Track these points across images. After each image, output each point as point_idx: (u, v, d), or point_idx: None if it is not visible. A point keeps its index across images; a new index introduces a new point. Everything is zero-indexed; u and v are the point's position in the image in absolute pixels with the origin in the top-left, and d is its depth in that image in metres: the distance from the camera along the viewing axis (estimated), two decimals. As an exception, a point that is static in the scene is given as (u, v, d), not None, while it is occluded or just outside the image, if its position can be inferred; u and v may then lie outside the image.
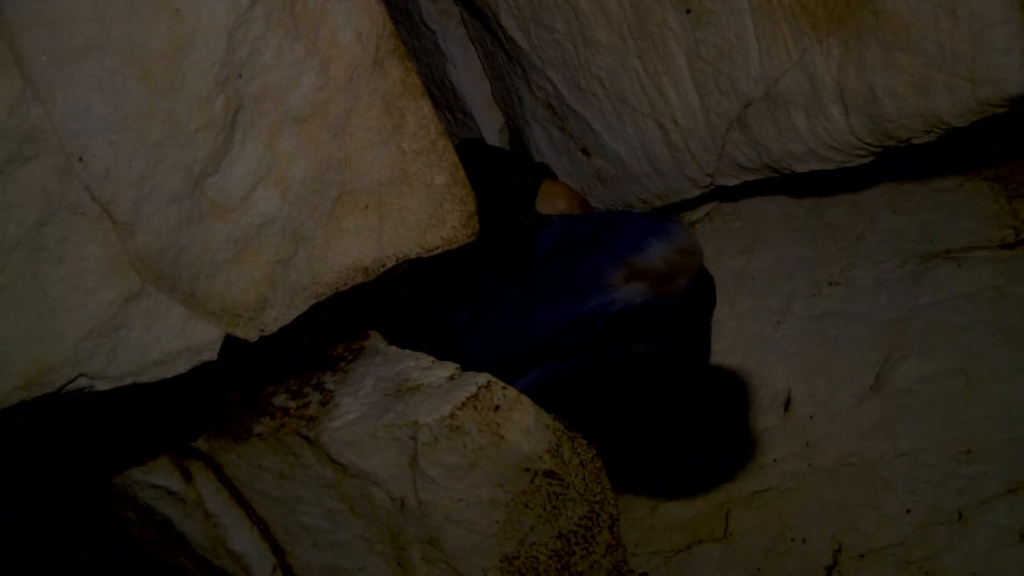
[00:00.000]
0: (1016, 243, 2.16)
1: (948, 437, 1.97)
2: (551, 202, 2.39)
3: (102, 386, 1.43)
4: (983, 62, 1.69)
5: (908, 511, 1.94)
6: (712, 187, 2.34)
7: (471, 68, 2.93)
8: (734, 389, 2.27)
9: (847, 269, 2.32)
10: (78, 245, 1.37)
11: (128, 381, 1.46)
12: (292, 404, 1.82)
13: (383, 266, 1.66)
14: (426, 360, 1.84)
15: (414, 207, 1.68)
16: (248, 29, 1.49)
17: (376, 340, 1.99)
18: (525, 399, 1.74)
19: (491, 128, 3.03)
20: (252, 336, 1.58)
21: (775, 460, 2.12)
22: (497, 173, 2.36)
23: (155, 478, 1.81)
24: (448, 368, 1.80)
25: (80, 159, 1.37)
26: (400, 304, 2.21)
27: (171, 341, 1.48)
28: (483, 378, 1.72)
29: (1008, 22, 1.62)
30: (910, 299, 2.19)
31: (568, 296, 2.06)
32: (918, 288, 2.20)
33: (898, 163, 2.23)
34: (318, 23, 1.56)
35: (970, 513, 1.88)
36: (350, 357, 1.94)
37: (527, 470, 1.70)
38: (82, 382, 1.41)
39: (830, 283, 2.33)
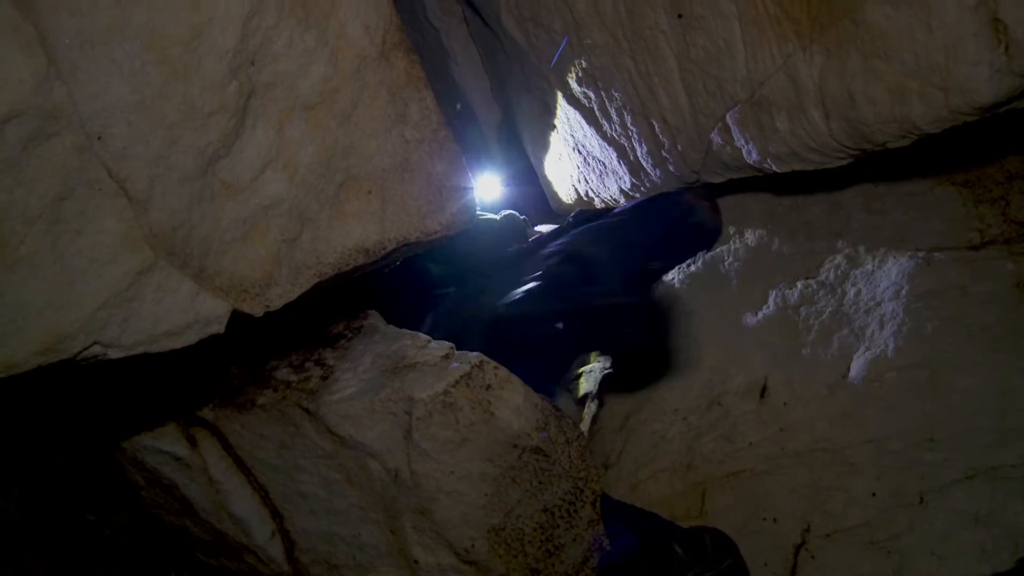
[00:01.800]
0: (981, 245, 2.27)
1: (913, 426, 2.07)
2: None
3: (115, 354, 1.50)
4: (955, 72, 1.75)
5: (873, 494, 2.04)
6: (698, 184, 2.41)
7: (472, 65, 3.01)
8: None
9: (822, 265, 2.42)
10: (95, 219, 1.43)
11: (139, 350, 1.52)
12: (294, 377, 1.90)
13: (384, 249, 1.73)
14: (422, 339, 1.92)
15: (415, 193, 1.75)
16: (262, 19, 1.55)
17: (375, 319, 2.06)
18: (516, 379, 1.83)
19: (490, 123, 3.11)
20: (258, 311, 1.65)
21: (750, 443, 2.21)
22: None
23: (163, 444, 1.88)
24: (443, 347, 1.88)
25: (99, 138, 1.43)
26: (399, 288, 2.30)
27: (181, 314, 1.54)
28: (476, 358, 1.81)
29: (979, 35, 1.69)
30: (881, 295, 2.29)
31: None
32: (889, 284, 2.29)
33: (873, 165, 2.32)
34: (328, 15, 1.62)
35: (931, 497, 1.98)
36: (350, 335, 2.01)
37: (516, 446, 1.79)
38: (96, 350, 1.48)
39: (806, 277, 2.42)
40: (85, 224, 1.43)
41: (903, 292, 2.27)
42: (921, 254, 2.31)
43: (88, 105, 1.42)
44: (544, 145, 2.83)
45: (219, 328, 1.60)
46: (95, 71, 1.42)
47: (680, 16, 2.08)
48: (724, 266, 2.57)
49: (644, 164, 2.44)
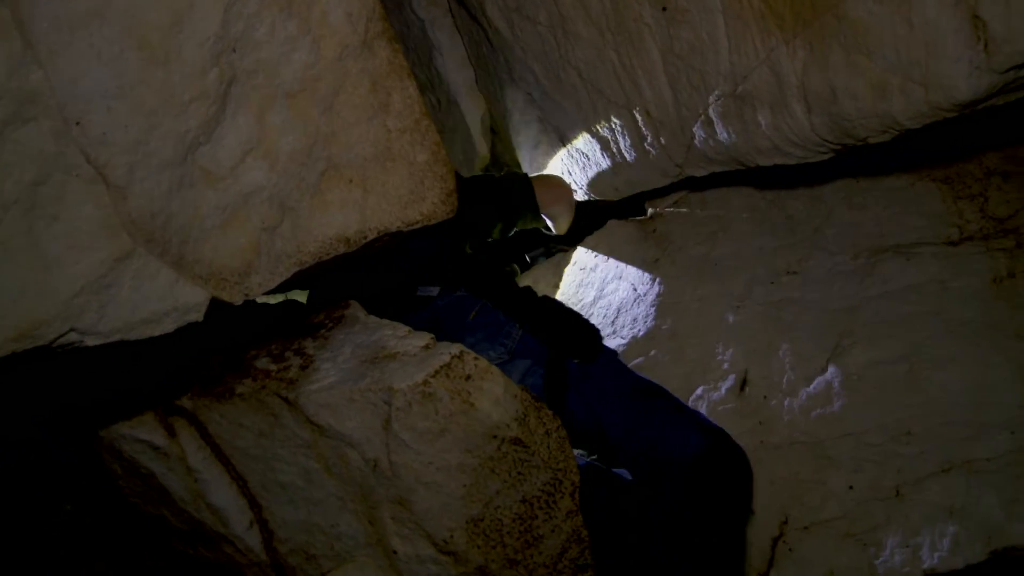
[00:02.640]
0: (960, 240, 2.29)
1: (890, 420, 2.09)
2: (550, 192, 2.51)
3: (91, 341, 1.49)
4: (936, 68, 1.76)
5: (851, 487, 2.06)
6: (681, 177, 2.42)
7: (457, 56, 3.01)
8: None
9: (804, 259, 2.44)
10: (73, 205, 1.43)
11: (116, 338, 1.51)
12: (273, 367, 1.89)
13: (365, 238, 1.73)
14: (403, 330, 1.92)
15: (396, 183, 1.75)
16: (243, 6, 1.55)
17: (356, 309, 2.06)
18: (495, 369, 1.83)
19: (474, 114, 3.11)
20: (237, 299, 1.65)
21: (730, 437, 2.23)
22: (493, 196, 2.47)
23: (141, 433, 1.87)
24: (423, 338, 1.88)
25: (77, 123, 1.42)
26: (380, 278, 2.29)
27: (159, 301, 1.54)
28: (456, 348, 1.80)
29: (959, 32, 1.70)
30: (861, 289, 2.31)
31: None
32: (869, 279, 2.31)
33: (856, 161, 2.34)
34: (310, 3, 1.62)
35: (907, 490, 2.00)
36: (330, 324, 2.01)
37: (495, 437, 1.79)
38: (72, 337, 1.47)
39: (787, 272, 2.44)
40: (62, 210, 1.43)
41: (883, 287, 2.29)
42: (901, 249, 2.33)
43: (66, 90, 1.41)
44: (528, 137, 2.83)
45: (198, 316, 1.60)
46: (73, 56, 1.41)
47: (664, 9, 2.08)
48: (706, 259, 2.58)
49: (627, 157, 2.45)
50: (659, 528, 2.00)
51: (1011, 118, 2.05)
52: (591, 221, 2.91)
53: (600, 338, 2.25)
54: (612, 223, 2.91)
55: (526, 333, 2.25)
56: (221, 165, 1.60)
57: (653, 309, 2.56)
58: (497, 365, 2.06)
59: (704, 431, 2.02)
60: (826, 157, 2.11)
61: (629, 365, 2.46)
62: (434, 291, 2.45)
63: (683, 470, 1.98)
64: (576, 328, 2.24)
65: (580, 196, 2.82)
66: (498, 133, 3.06)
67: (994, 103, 1.82)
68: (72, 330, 1.47)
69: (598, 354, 2.22)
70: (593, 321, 2.73)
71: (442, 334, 1.97)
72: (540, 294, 2.35)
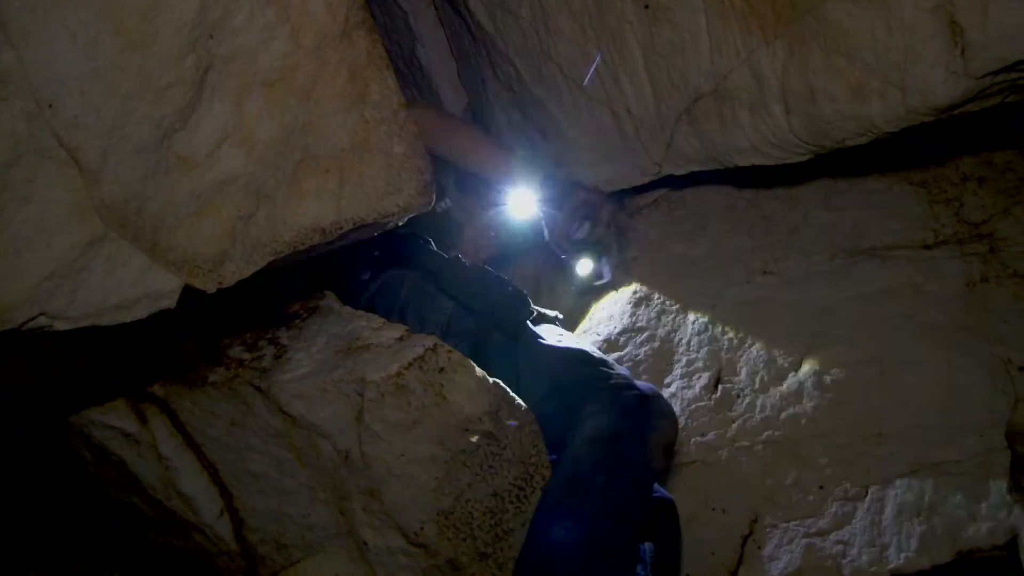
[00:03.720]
0: (935, 244, 2.31)
1: (862, 420, 2.11)
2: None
3: (61, 326, 1.48)
4: (913, 73, 1.78)
5: (821, 487, 2.08)
6: (661, 175, 2.42)
7: (439, 48, 3.01)
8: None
9: (781, 259, 2.45)
10: (44, 188, 1.41)
11: (87, 323, 1.50)
12: (247, 356, 1.89)
13: (340, 228, 1.72)
14: (377, 321, 1.92)
15: (373, 174, 1.74)
16: (222, -9, 1.54)
17: (331, 300, 2.06)
18: (469, 363, 1.83)
19: (456, 107, 3.11)
20: (210, 287, 1.64)
21: (702, 434, 2.24)
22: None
23: (111, 419, 1.86)
24: (398, 329, 1.88)
25: (50, 105, 1.41)
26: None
27: (131, 287, 1.53)
28: (430, 340, 1.81)
29: (937, 37, 1.72)
30: (836, 291, 2.33)
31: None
32: (844, 281, 2.33)
33: (834, 162, 2.35)
34: (290, -9, 1.61)
35: (876, 491, 2.03)
36: (305, 315, 2.01)
37: (467, 430, 1.79)
38: (42, 321, 1.46)
39: (764, 272, 2.46)
40: (33, 192, 1.41)
41: (858, 288, 2.31)
42: (877, 251, 2.35)
43: (39, 72, 1.39)
44: (512, 130, 2.83)
45: (170, 303, 1.59)
46: (47, 37, 1.39)
47: (647, 7, 2.09)
48: (684, 258, 2.59)
49: (607, 154, 2.46)
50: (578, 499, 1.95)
51: (987, 124, 2.07)
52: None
53: (526, 314, 2.22)
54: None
55: (457, 307, 2.25)
56: (197, 152, 1.58)
57: (629, 306, 2.57)
58: None
59: (614, 411, 1.98)
60: (804, 158, 2.12)
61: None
62: (367, 275, 2.47)
63: (585, 444, 1.94)
64: (502, 301, 2.21)
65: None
66: (480, 125, 3.05)
67: (970, 109, 1.84)
68: (41, 314, 1.46)
69: (522, 330, 2.21)
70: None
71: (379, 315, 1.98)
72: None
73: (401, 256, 2.41)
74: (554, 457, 1.97)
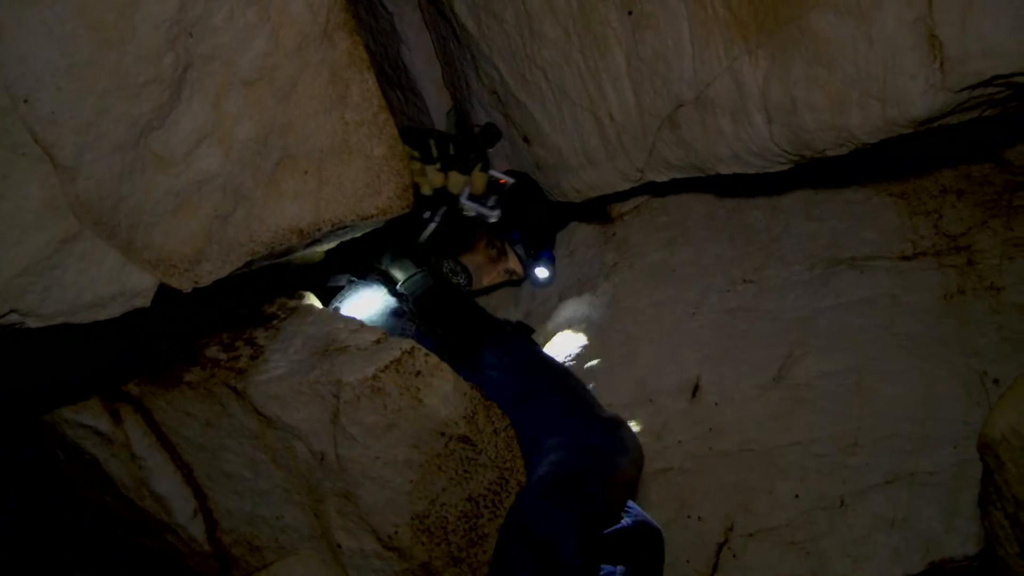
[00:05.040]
0: (914, 256, 2.32)
1: (838, 430, 2.11)
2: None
3: (33, 323, 1.47)
4: (893, 84, 1.79)
5: (796, 496, 2.08)
6: (642, 182, 2.42)
7: (424, 51, 3.00)
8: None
9: (760, 268, 2.46)
10: (18, 184, 1.40)
11: (60, 320, 1.49)
12: (223, 356, 1.88)
13: (318, 230, 1.72)
14: (355, 323, 1.92)
15: (352, 176, 1.74)
16: (202, -11, 1.53)
17: (309, 300, 2.05)
18: (446, 367, 1.83)
19: (439, 110, 3.11)
20: (186, 287, 1.63)
21: (679, 441, 2.24)
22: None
23: (85, 418, 1.85)
24: (375, 332, 1.88)
25: (25, 101, 1.40)
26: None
27: (105, 285, 1.51)
28: (407, 344, 1.81)
29: (916, 49, 1.73)
30: (815, 300, 2.34)
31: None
32: (823, 291, 2.34)
33: (815, 172, 2.36)
34: (271, -9, 1.61)
35: (851, 500, 2.03)
36: (283, 315, 2.00)
37: (443, 434, 1.79)
38: (13, 318, 1.44)
39: (744, 280, 2.46)
40: (7, 189, 1.40)
41: (837, 298, 2.32)
42: (856, 262, 2.36)
43: (15, 67, 1.38)
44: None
45: (145, 302, 1.58)
46: (23, 32, 1.38)
47: (630, 13, 2.09)
48: (664, 265, 2.60)
49: (589, 159, 2.46)
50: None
51: (966, 137, 2.09)
52: (553, 221, 2.91)
53: (479, 349, 2.24)
54: (573, 224, 2.91)
55: (418, 330, 2.25)
56: (174, 151, 1.58)
57: (609, 313, 2.57)
58: None
59: (571, 450, 1.96)
60: (785, 168, 2.12)
61: (583, 368, 2.47)
62: (342, 280, 2.47)
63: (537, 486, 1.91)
64: (459, 337, 2.23)
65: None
66: (464, 129, 3.05)
67: (949, 121, 1.85)
68: (13, 311, 1.44)
69: (478, 365, 2.21)
70: (549, 325, 2.72)
71: None
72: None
73: (379, 269, 2.42)
74: None
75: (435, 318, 2.26)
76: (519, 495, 1.91)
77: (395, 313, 2.31)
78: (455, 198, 2.61)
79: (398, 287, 2.33)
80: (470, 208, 2.59)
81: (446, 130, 3.15)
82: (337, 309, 2.31)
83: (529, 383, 2.18)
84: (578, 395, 2.18)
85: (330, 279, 2.48)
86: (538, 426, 2.03)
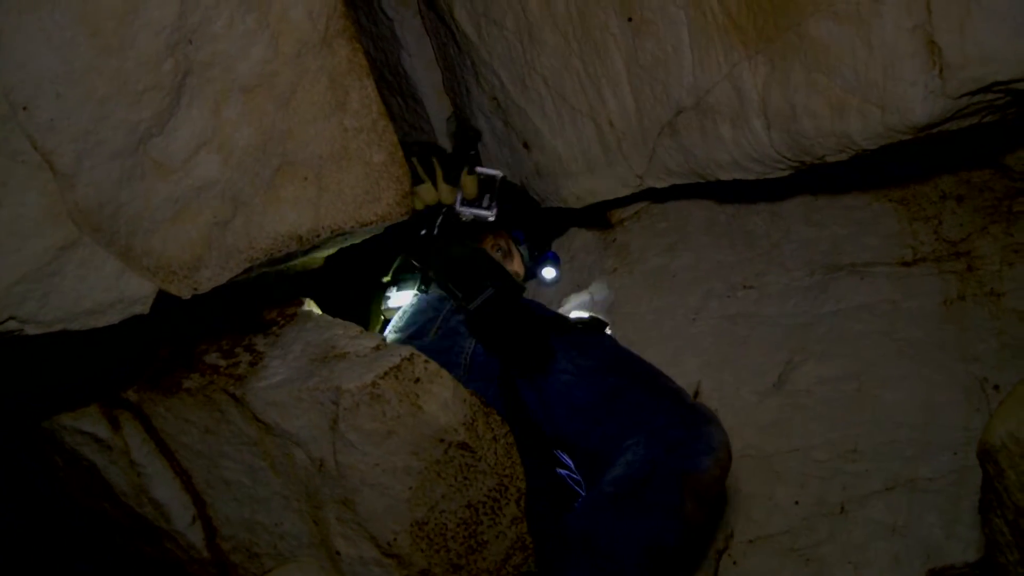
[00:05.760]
0: (914, 261, 2.32)
1: (838, 436, 2.11)
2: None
3: (32, 330, 1.46)
4: (892, 91, 1.79)
5: (796, 502, 2.08)
6: (642, 188, 2.43)
7: (424, 57, 3.01)
8: None
9: (761, 274, 2.46)
10: (16, 191, 1.40)
11: (58, 327, 1.49)
12: (223, 363, 1.88)
13: (318, 236, 1.72)
14: (354, 329, 1.91)
15: (352, 182, 1.74)
16: (201, -3, 1.53)
17: (309, 307, 2.05)
18: (445, 373, 1.82)
19: (440, 116, 3.11)
20: (185, 293, 1.63)
21: (679, 448, 2.23)
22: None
23: (83, 425, 1.84)
24: (374, 339, 1.87)
25: (24, 108, 1.40)
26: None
27: (104, 292, 1.51)
28: (406, 350, 1.80)
29: (916, 56, 1.73)
30: (815, 306, 2.34)
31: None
32: (823, 296, 2.34)
33: (815, 178, 2.37)
34: (271, -2, 1.61)
35: (851, 507, 2.03)
36: (283, 322, 1.99)
37: (442, 441, 1.79)
38: (12, 325, 1.44)
39: (744, 286, 2.46)
40: (5, 196, 1.40)
41: (837, 304, 2.32)
42: (856, 268, 2.36)
43: (13, 74, 1.38)
44: (492, 140, 2.82)
45: (143, 309, 1.58)
46: (22, 39, 1.38)
47: (630, 20, 2.09)
48: (664, 271, 2.59)
49: (589, 165, 2.46)
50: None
51: (966, 143, 2.09)
52: (553, 227, 2.91)
53: (550, 356, 2.07)
54: (573, 230, 2.91)
55: (478, 345, 2.16)
56: (174, 158, 1.58)
57: (609, 318, 2.56)
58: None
59: (656, 442, 1.80)
60: (785, 173, 2.13)
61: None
62: (407, 289, 2.42)
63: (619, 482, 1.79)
64: (521, 344, 2.08)
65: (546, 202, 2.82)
66: (463, 134, 3.05)
67: (949, 128, 1.85)
68: (12, 318, 1.44)
69: (546, 368, 2.07)
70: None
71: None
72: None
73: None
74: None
75: (501, 331, 2.12)
76: (587, 496, 1.76)
77: (451, 332, 2.20)
78: (450, 207, 2.59)
79: (463, 303, 2.22)
80: (468, 214, 2.57)
81: (447, 134, 3.15)
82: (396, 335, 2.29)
83: (606, 382, 2.00)
84: (661, 387, 1.97)
85: (389, 293, 2.43)
86: (619, 426, 1.87)
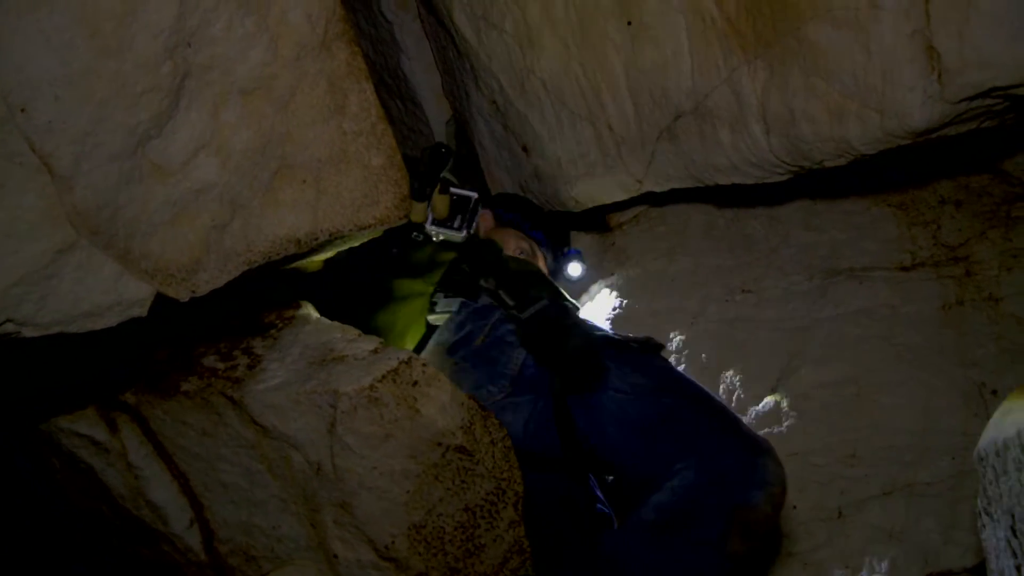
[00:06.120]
0: (912, 266, 2.32)
1: (836, 441, 2.12)
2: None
3: (29, 333, 1.46)
4: (891, 96, 1.79)
5: (795, 507, 2.08)
6: (641, 192, 2.43)
7: (424, 60, 3.02)
8: None
9: (760, 279, 2.46)
10: (14, 193, 1.40)
11: (56, 330, 1.48)
12: (220, 365, 1.87)
13: (316, 239, 1.72)
14: (352, 332, 1.91)
15: (350, 185, 1.74)
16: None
17: (307, 310, 2.05)
18: (443, 377, 1.82)
19: (439, 119, 3.12)
20: (183, 296, 1.63)
21: (678, 453, 2.23)
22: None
23: (81, 427, 1.84)
24: (372, 342, 1.87)
25: (22, 110, 1.39)
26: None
27: (102, 295, 1.51)
28: (404, 354, 1.80)
29: (914, 61, 1.74)
30: (814, 310, 2.34)
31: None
32: (822, 301, 2.34)
33: (814, 183, 2.37)
34: (269, 1, 1.61)
35: (849, 512, 2.03)
36: (281, 325, 1.99)
37: (439, 444, 1.78)
38: (9, 327, 1.44)
39: (743, 290, 2.46)
40: (3, 198, 1.39)
41: (835, 309, 2.32)
42: (855, 272, 2.36)
43: (12, 76, 1.38)
44: (491, 144, 2.83)
45: (141, 311, 1.58)
46: (20, 41, 1.38)
47: (629, 24, 2.09)
48: (663, 275, 2.60)
49: (588, 170, 2.46)
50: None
51: (965, 148, 2.09)
52: (552, 231, 2.91)
53: (601, 371, 1.96)
54: (572, 234, 2.92)
55: (528, 357, 2.05)
56: (172, 160, 1.57)
57: (607, 323, 2.57)
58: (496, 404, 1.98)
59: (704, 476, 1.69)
60: (783, 178, 2.13)
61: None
62: (454, 305, 2.30)
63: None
64: (576, 358, 1.98)
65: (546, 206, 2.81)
66: (463, 138, 3.06)
67: (947, 133, 1.86)
68: (9, 321, 1.44)
69: (600, 385, 1.95)
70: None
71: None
72: None
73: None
74: None
75: (556, 344, 2.03)
76: (626, 524, 1.69)
77: (499, 341, 2.12)
78: (419, 226, 2.49)
79: (516, 312, 2.13)
80: (437, 233, 2.47)
81: (445, 140, 3.16)
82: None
83: (660, 404, 1.90)
84: (717, 413, 1.86)
85: (436, 299, 2.33)
86: (671, 447, 1.78)
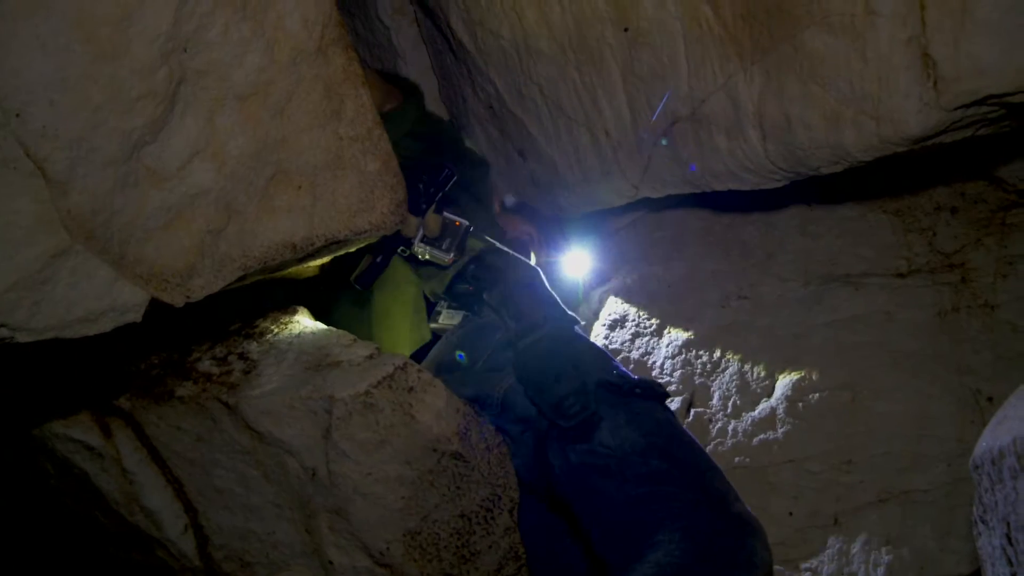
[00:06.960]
0: (908, 273, 2.32)
1: (832, 447, 2.11)
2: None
3: (23, 338, 1.46)
4: (887, 103, 1.79)
5: (790, 514, 2.08)
6: (638, 197, 2.42)
7: (420, 65, 3.01)
8: None
9: (756, 285, 2.46)
10: (8, 198, 1.39)
11: (50, 335, 1.48)
12: (216, 370, 1.87)
13: (312, 245, 1.72)
14: (348, 338, 1.91)
15: (346, 191, 1.74)
16: (196, 5, 1.53)
17: (303, 315, 2.04)
18: (439, 383, 1.82)
19: (436, 124, 3.12)
20: (178, 302, 1.62)
21: (673, 458, 2.23)
22: None
23: (75, 432, 1.83)
24: (368, 347, 1.87)
25: (17, 115, 1.39)
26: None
27: (96, 300, 1.51)
28: (400, 359, 1.80)
29: (910, 68, 1.73)
30: (810, 317, 2.34)
31: None
32: (818, 307, 2.34)
33: (810, 189, 2.37)
34: (266, 6, 1.60)
35: (845, 519, 2.02)
36: (276, 330, 1.99)
37: (435, 450, 1.78)
38: (3, 332, 1.44)
39: (739, 296, 2.46)
40: (-3, 203, 1.40)
41: (831, 315, 2.32)
42: (851, 279, 2.36)
43: (7, 80, 1.37)
44: (489, 149, 2.83)
45: (136, 317, 1.57)
46: (16, 46, 1.38)
47: (626, 30, 2.09)
48: (660, 281, 2.60)
49: (585, 175, 2.46)
50: None
51: (960, 155, 2.10)
52: (550, 235, 2.91)
53: (590, 426, 1.82)
54: (568, 240, 2.92)
55: (513, 385, 1.96)
56: (167, 166, 1.57)
57: (604, 328, 2.57)
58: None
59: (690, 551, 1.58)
60: (780, 184, 2.13)
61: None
62: (457, 316, 2.24)
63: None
64: (562, 410, 1.84)
65: (541, 211, 2.81)
66: (460, 143, 3.05)
67: (943, 140, 1.85)
68: (3, 326, 1.44)
69: (586, 438, 1.83)
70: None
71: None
72: None
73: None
74: None
75: (546, 385, 1.90)
76: None
77: (498, 368, 2.02)
78: (408, 240, 2.36)
79: (514, 339, 2.04)
80: (424, 250, 2.36)
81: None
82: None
83: (648, 466, 1.76)
84: (707, 484, 1.75)
85: (439, 308, 2.27)
86: (653, 519, 1.67)
